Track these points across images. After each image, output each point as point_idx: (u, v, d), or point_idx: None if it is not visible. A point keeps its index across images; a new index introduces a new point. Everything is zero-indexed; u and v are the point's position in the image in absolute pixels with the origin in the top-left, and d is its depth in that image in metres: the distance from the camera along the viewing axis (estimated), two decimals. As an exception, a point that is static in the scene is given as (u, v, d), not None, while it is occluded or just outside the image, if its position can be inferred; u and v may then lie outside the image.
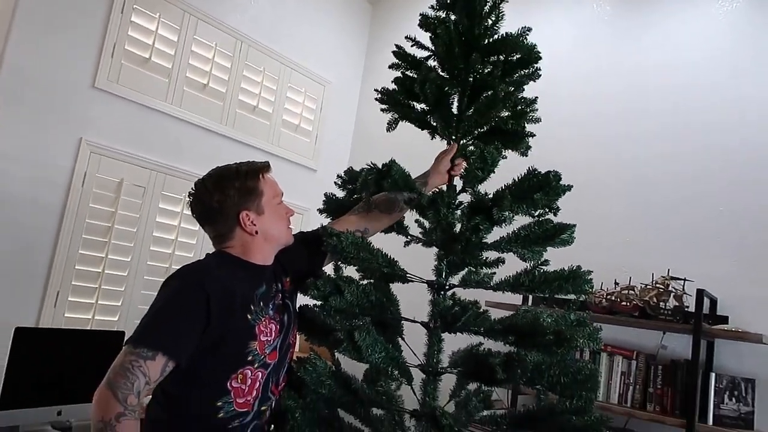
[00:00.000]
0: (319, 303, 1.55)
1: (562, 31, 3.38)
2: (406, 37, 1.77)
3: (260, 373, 1.39)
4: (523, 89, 1.70)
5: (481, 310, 1.49)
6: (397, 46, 1.75)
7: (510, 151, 1.71)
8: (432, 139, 1.80)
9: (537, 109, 1.70)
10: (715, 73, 2.83)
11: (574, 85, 3.25)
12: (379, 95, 1.77)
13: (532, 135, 1.72)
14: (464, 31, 1.63)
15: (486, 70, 1.61)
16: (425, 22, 1.67)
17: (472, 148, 1.59)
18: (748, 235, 2.59)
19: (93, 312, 2.80)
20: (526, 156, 1.73)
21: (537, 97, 1.71)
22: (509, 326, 1.44)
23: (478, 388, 1.71)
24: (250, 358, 1.36)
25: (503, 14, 1.64)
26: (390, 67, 1.77)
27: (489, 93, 1.58)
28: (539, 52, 1.64)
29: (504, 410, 1.60)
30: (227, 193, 1.42)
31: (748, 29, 2.79)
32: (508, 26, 1.67)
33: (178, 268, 1.41)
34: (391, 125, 1.79)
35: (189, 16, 3.20)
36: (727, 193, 2.68)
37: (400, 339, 1.71)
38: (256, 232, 1.44)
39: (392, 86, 1.77)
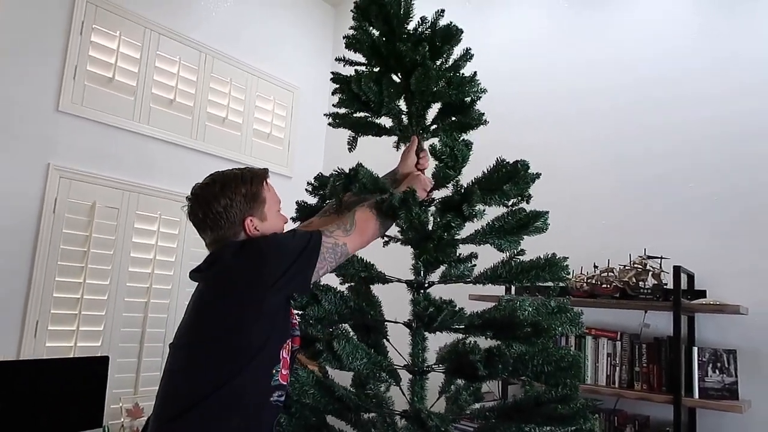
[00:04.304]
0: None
1: (528, 16, 3.40)
2: (336, 59, 1.81)
3: (290, 349, 1.42)
4: (461, 71, 1.74)
5: (457, 308, 1.48)
6: (333, 72, 1.78)
7: (469, 131, 1.74)
8: (397, 149, 1.81)
9: (479, 82, 1.72)
10: (684, 52, 2.87)
11: (544, 68, 3.27)
12: (330, 119, 1.81)
13: (477, 100, 1.74)
14: (385, 32, 1.66)
15: (416, 56, 1.62)
16: (347, 42, 1.71)
17: (440, 146, 1.59)
18: (719, 208, 2.63)
19: (75, 339, 2.75)
20: (486, 125, 1.75)
21: (476, 72, 1.74)
22: (487, 321, 1.44)
23: (467, 382, 1.71)
24: (291, 330, 1.41)
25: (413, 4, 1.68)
26: (333, 93, 1.79)
27: (419, 70, 1.60)
28: (459, 29, 1.68)
29: (494, 401, 1.61)
30: (234, 199, 1.40)
31: (716, 11, 2.83)
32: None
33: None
34: (351, 144, 1.81)
35: (150, 32, 3.16)
36: (696, 168, 2.72)
37: (384, 340, 1.71)
38: None
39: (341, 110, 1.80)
